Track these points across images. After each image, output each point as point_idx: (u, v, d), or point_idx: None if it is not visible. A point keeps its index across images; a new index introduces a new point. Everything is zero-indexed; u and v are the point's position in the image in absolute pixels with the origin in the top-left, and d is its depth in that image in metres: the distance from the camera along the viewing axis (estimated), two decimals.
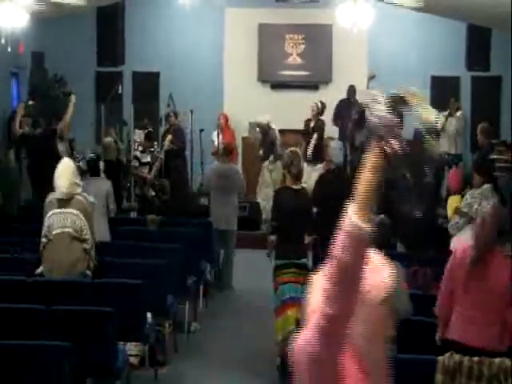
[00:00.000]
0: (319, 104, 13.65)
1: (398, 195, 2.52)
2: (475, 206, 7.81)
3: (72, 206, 6.95)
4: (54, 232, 6.88)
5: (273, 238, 7.43)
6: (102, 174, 9.77)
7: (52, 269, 6.89)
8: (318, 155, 13.33)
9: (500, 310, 4.98)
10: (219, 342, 8.35)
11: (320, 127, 13.52)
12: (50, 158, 10.91)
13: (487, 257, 5.00)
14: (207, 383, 7.24)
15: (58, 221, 6.88)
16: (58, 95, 15.52)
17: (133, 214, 11.64)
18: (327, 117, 13.98)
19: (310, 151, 13.43)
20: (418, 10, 14.03)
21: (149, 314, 7.02)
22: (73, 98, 11.37)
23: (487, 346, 4.91)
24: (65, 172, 7.10)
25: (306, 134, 13.73)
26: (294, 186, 7.12)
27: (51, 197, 7.10)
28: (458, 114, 14.77)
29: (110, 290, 6.62)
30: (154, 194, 11.69)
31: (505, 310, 4.97)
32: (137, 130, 14.50)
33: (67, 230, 6.88)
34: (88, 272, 7.02)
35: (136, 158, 11.98)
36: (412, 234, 8.04)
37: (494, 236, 5.05)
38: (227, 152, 10.71)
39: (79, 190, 7.12)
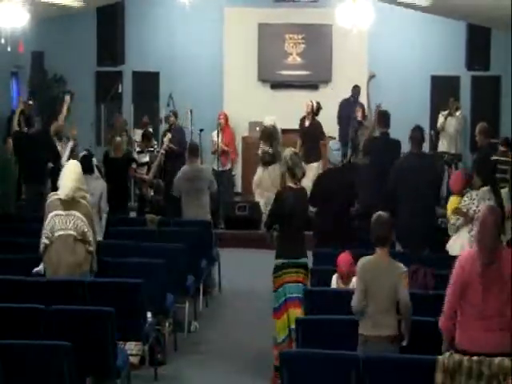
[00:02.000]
0: (314, 103, 13.58)
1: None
2: (473, 208, 7.82)
3: (76, 209, 6.93)
4: (56, 234, 6.86)
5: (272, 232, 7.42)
6: (96, 172, 9.74)
7: (57, 270, 6.86)
8: (313, 154, 13.33)
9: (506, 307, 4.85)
10: (219, 341, 8.35)
11: (316, 127, 13.48)
12: (39, 157, 10.93)
13: (496, 257, 4.89)
14: (207, 383, 7.24)
15: (61, 223, 6.87)
16: (58, 95, 15.55)
17: (132, 214, 11.63)
18: (326, 116, 13.97)
19: (302, 150, 13.42)
20: (425, 9, 14.04)
21: (149, 314, 7.02)
22: (67, 98, 11.32)
23: (506, 351, 4.82)
24: (71, 175, 7.10)
25: (300, 132, 13.68)
26: (295, 186, 7.12)
27: (54, 197, 7.06)
28: (458, 113, 14.77)
29: (110, 290, 6.63)
30: (152, 193, 11.68)
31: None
32: (136, 130, 14.52)
33: (70, 232, 6.87)
34: (91, 273, 7.02)
35: (133, 159, 11.97)
36: (408, 234, 8.06)
37: (498, 235, 5.00)
38: (194, 152, 10.49)
39: (83, 193, 7.11)
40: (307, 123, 13.54)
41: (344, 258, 6.66)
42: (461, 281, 4.95)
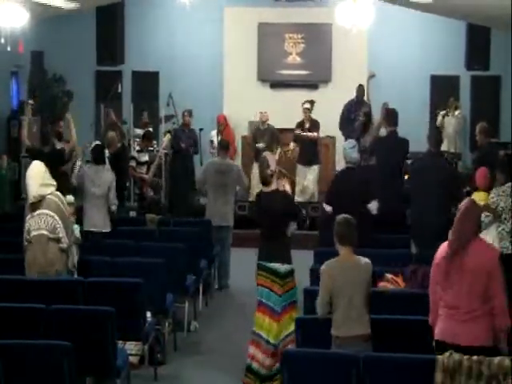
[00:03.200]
0: (309, 105, 13.49)
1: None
2: (501, 204, 7.86)
3: (44, 207, 6.95)
4: (31, 234, 6.93)
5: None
6: (107, 164, 9.75)
7: (30, 270, 6.91)
8: (313, 157, 13.31)
9: (484, 300, 4.87)
10: (219, 341, 8.35)
11: (315, 127, 13.46)
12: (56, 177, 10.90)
13: (466, 246, 4.91)
14: (207, 382, 7.24)
15: (34, 223, 6.92)
16: (58, 94, 15.56)
17: (132, 214, 11.64)
18: (326, 116, 13.96)
19: (302, 154, 13.43)
20: (425, 9, 14.03)
21: (148, 314, 7.02)
22: (69, 116, 11.24)
23: (474, 343, 4.85)
24: (32, 175, 7.13)
25: (299, 135, 13.59)
26: (268, 190, 7.04)
27: (29, 201, 7.12)
28: (457, 113, 14.77)
29: (110, 290, 6.63)
30: (152, 193, 11.69)
31: (489, 301, 4.87)
32: (137, 129, 14.52)
33: (42, 231, 6.90)
34: (68, 272, 7.01)
35: (133, 158, 11.97)
36: (422, 233, 8.03)
37: (476, 227, 5.02)
38: (225, 147, 10.56)
39: (50, 189, 7.07)
40: (307, 125, 13.47)
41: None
42: (435, 275, 5.06)
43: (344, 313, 5.48)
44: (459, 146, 15.00)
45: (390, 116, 10.07)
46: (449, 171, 8.61)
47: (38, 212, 6.94)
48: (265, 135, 13.72)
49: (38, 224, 6.90)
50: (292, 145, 13.56)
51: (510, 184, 7.95)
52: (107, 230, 9.06)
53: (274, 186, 7.01)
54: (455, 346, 4.81)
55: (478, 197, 8.34)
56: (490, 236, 8.01)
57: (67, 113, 11.71)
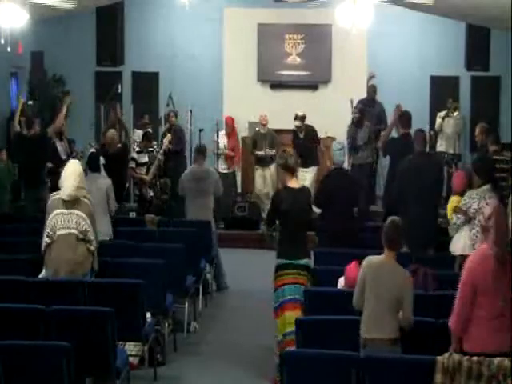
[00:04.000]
0: (300, 120, 13.40)
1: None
2: (473, 206, 7.84)
3: (78, 209, 6.97)
4: (58, 232, 6.90)
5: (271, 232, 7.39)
6: (103, 171, 9.75)
7: (58, 269, 6.88)
8: (310, 159, 13.29)
9: None
10: (218, 341, 8.35)
11: (310, 135, 13.42)
12: (38, 161, 10.90)
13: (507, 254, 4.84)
14: (206, 383, 7.24)
15: (63, 221, 6.90)
16: (57, 95, 15.55)
17: (132, 214, 11.63)
18: (326, 116, 13.96)
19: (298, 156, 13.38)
20: (425, 9, 14.03)
21: (148, 314, 7.02)
22: (67, 98, 11.26)
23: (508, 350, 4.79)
24: (72, 174, 7.13)
25: (295, 144, 13.52)
26: (294, 186, 7.07)
27: (55, 197, 7.11)
28: (456, 114, 14.74)
29: (110, 290, 6.63)
30: (152, 194, 11.67)
31: None
32: (136, 130, 14.51)
33: (72, 231, 6.90)
34: (92, 273, 7.03)
35: (133, 159, 11.95)
36: (414, 234, 8.04)
37: (509, 230, 4.97)
38: (201, 153, 10.47)
39: (84, 192, 7.14)
40: (302, 135, 13.42)
41: (352, 269, 6.56)
42: (472, 281, 4.90)
43: (371, 314, 5.47)
44: (458, 147, 14.98)
45: (404, 118, 10.09)
46: (441, 171, 8.65)
47: (68, 211, 6.92)
48: (265, 140, 13.68)
49: (68, 223, 6.88)
50: (291, 151, 13.50)
51: (486, 187, 7.93)
52: (106, 238, 8.89)
53: (297, 183, 7.10)
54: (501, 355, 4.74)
55: (452, 200, 8.38)
56: (463, 238, 8.02)
57: (67, 97, 11.71)
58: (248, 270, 10.99)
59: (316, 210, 8.35)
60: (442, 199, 9.48)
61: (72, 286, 6.67)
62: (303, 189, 7.19)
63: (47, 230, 6.93)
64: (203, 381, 7.24)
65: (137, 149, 12.69)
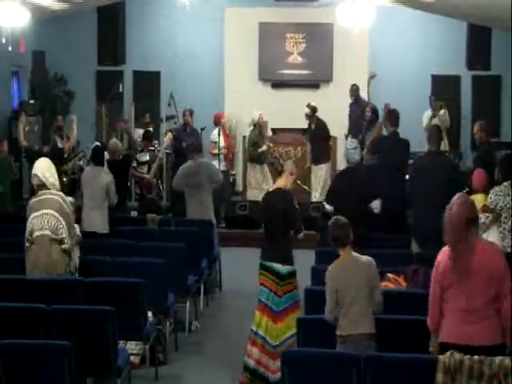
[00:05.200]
0: (310, 109, 13.41)
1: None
2: (500, 204, 7.82)
3: (47, 206, 6.91)
4: (34, 235, 6.89)
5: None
6: (106, 167, 9.76)
7: (33, 271, 6.88)
8: (323, 155, 13.30)
9: (491, 299, 4.84)
10: (220, 341, 8.34)
11: (322, 128, 13.42)
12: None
13: (464, 243, 4.87)
14: (207, 382, 7.24)
15: (37, 223, 6.88)
16: (59, 94, 15.57)
17: (133, 214, 11.63)
18: (326, 116, 13.94)
19: (312, 152, 13.39)
20: (426, 8, 14.02)
21: (149, 313, 7.02)
22: (74, 117, 11.24)
23: (487, 342, 4.82)
24: (39, 167, 7.13)
25: (307, 135, 13.57)
26: (272, 189, 7.09)
27: (32, 200, 7.10)
28: (442, 112, 14.66)
29: (111, 290, 6.62)
30: (140, 192, 11.67)
31: (497, 299, 4.84)
32: (137, 129, 14.52)
33: (45, 232, 6.86)
34: (68, 273, 6.99)
35: (134, 158, 11.97)
36: (424, 233, 8.02)
37: (464, 220, 4.91)
38: (192, 149, 10.45)
39: (52, 184, 7.07)
40: (313, 126, 13.43)
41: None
42: (438, 278, 4.99)
43: (347, 311, 5.48)
44: (446, 146, 14.92)
45: (392, 116, 10.07)
46: (449, 170, 8.60)
47: (41, 212, 6.90)
48: (265, 138, 13.66)
49: (41, 224, 6.86)
50: (308, 145, 13.46)
51: (508, 183, 7.92)
52: (105, 231, 9.05)
53: (279, 185, 7.05)
54: (468, 347, 4.76)
55: (476, 199, 8.35)
56: (491, 237, 7.98)
57: (72, 114, 11.74)
58: (249, 269, 10.95)
59: (328, 207, 8.36)
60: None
61: (72, 285, 6.67)
62: (281, 191, 7.08)
63: (26, 233, 6.95)
64: (204, 380, 7.24)
65: (138, 148, 12.73)
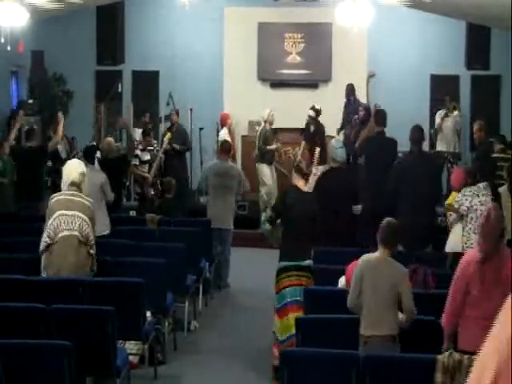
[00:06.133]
0: (314, 111, 13.38)
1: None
2: (465, 204, 7.82)
3: (81, 210, 6.88)
4: (60, 234, 6.78)
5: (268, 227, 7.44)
6: (97, 165, 9.78)
7: (60, 271, 6.81)
8: (321, 157, 13.28)
9: None
10: (219, 340, 8.35)
11: (321, 132, 13.40)
12: (33, 174, 10.89)
13: (496, 253, 4.86)
14: (206, 382, 7.24)
15: (66, 223, 6.79)
16: (58, 94, 15.56)
17: (132, 213, 11.63)
18: (326, 116, 13.95)
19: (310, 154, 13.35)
20: (425, 8, 14.02)
21: (148, 313, 7.02)
22: (60, 116, 11.17)
23: None
24: (75, 168, 7.12)
25: (307, 138, 13.51)
26: (302, 188, 7.16)
27: (57, 198, 6.99)
28: (455, 113, 14.71)
29: (110, 289, 6.62)
30: (153, 192, 11.68)
31: None
32: (136, 129, 14.52)
33: (74, 232, 6.79)
34: (90, 274, 7.01)
35: (137, 156, 11.97)
36: (408, 233, 8.04)
37: (500, 230, 4.97)
38: (225, 149, 10.54)
39: (79, 188, 7.07)
40: (312, 128, 13.39)
41: (354, 267, 6.56)
42: (465, 279, 4.95)
43: (371, 312, 5.48)
44: (458, 146, 14.98)
45: (379, 116, 10.08)
46: (431, 171, 8.65)
47: (72, 213, 6.83)
48: (273, 137, 13.62)
49: (71, 224, 6.78)
50: (303, 145, 13.40)
51: (481, 184, 7.92)
52: (105, 232, 8.91)
53: (307, 187, 7.14)
54: None
55: (450, 197, 8.38)
56: (455, 236, 8.02)
57: (59, 112, 11.71)
58: (249, 269, 10.99)
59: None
60: (440, 197, 9.46)
61: (72, 285, 6.67)
62: (310, 192, 7.24)
63: (48, 231, 6.80)
64: (203, 380, 7.25)
65: (140, 147, 12.73)
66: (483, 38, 15.50)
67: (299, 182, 7.23)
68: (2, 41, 10.28)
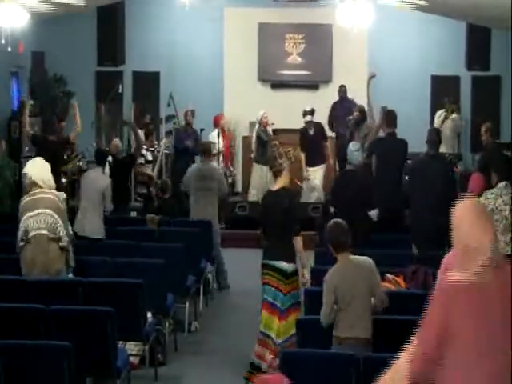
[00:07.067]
0: (308, 110, 13.33)
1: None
2: (490, 207, 7.79)
3: (42, 205, 6.92)
4: (30, 234, 6.90)
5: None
6: (107, 169, 9.78)
7: (31, 270, 6.89)
8: (319, 157, 13.27)
9: None
10: (219, 341, 8.35)
11: (320, 132, 13.38)
12: (59, 164, 10.93)
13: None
14: (207, 383, 7.24)
15: (33, 223, 6.88)
16: (58, 95, 15.56)
17: (133, 214, 11.63)
18: (325, 116, 13.96)
19: (308, 155, 13.34)
20: (425, 9, 14.02)
21: (149, 314, 7.02)
22: (75, 105, 11.24)
23: None
24: (34, 166, 7.17)
25: (303, 140, 13.45)
26: (274, 188, 7.11)
27: (26, 199, 7.09)
28: (454, 115, 14.69)
29: (110, 290, 6.63)
30: (154, 193, 11.69)
31: None
32: (138, 130, 14.51)
33: (42, 231, 6.87)
34: (66, 269, 7.00)
35: (142, 155, 11.99)
36: (422, 235, 8.02)
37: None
38: (206, 151, 10.43)
39: (46, 184, 7.08)
40: (311, 132, 13.34)
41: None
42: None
43: (346, 314, 5.48)
44: (457, 148, 14.98)
45: (390, 117, 10.07)
46: (446, 173, 8.62)
47: (36, 211, 6.91)
48: (268, 138, 13.62)
49: (38, 224, 6.87)
50: (300, 149, 13.37)
51: (501, 185, 7.89)
52: (97, 236, 8.87)
53: (280, 184, 7.05)
54: None
55: None
56: None
57: (73, 99, 11.73)
58: (249, 269, 10.96)
59: (331, 209, 8.40)
60: (457, 197, 9.38)
61: (72, 285, 6.68)
62: (284, 190, 7.09)
63: (20, 233, 6.96)
64: (204, 380, 7.25)
65: (145, 146, 12.75)
66: (483, 38, 15.51)
67: (275, 183, 7.18)
68: (3, 42, 10.29)
